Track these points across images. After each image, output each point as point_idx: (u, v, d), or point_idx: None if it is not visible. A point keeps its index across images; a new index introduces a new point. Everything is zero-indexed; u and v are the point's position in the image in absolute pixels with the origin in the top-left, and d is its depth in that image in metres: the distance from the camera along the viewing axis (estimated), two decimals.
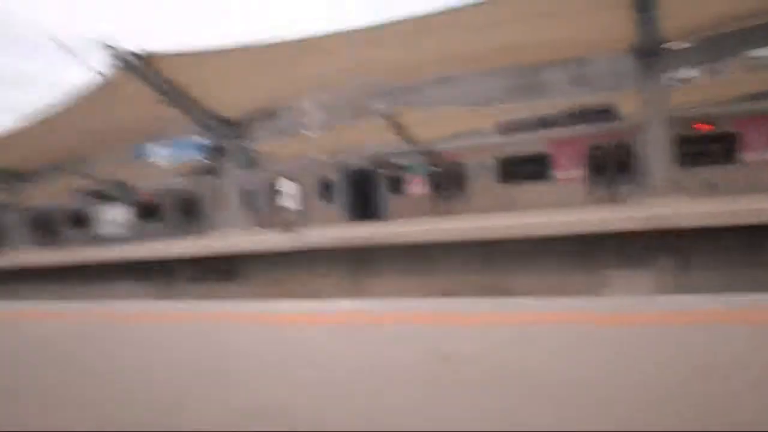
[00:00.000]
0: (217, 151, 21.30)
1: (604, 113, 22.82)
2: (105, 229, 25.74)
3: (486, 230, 12.34)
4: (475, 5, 14.58)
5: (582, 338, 3.61)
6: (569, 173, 20.17)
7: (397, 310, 5.48)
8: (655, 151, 15.57)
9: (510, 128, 23.22)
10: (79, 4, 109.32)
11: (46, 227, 33.51)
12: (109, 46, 17.81)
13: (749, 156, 19.89)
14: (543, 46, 17.92)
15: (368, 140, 26.19)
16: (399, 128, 30.16)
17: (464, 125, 35.99)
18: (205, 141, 22.22)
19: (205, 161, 23.75)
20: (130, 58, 18.06)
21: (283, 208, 17.82)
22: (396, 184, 20.70)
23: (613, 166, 20.85)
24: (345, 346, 3.93)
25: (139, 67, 18.23)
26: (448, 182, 21.25)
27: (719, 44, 15.91)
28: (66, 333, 5.62)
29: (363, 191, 22.05)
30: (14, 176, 29.10)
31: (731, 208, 10.32)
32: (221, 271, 16.08)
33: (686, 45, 16.22)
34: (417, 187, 21.47)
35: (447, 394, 2.75)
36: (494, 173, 20.69)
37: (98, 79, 18.39)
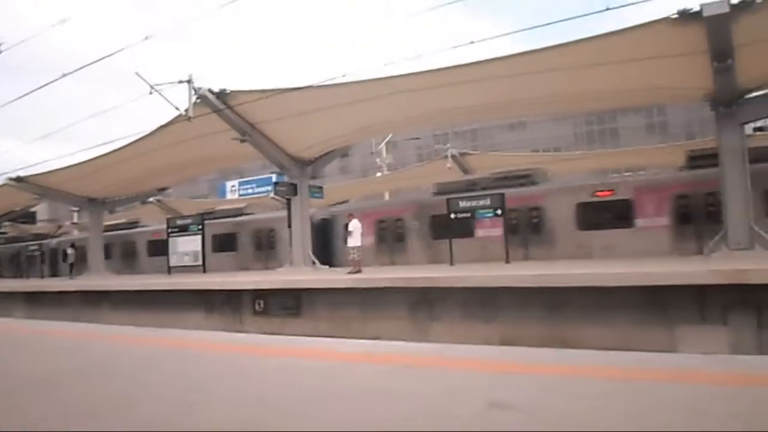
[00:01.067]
0: (289, 188, 21.86)
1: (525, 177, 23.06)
2: (180, 260, 26.64)
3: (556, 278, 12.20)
4: (549, 49, 14.62)
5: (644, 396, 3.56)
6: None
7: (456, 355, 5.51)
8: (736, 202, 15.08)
9: (446, 190, 23.86)
10: (167, 47, 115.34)
11: (122, 254, 34.97)
12: (190, 83, 18.80)
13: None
14: (619, 92, 17.75)
15: (437, 181, 26.33)
16: (467, 171, 30.28)
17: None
18: (279, 178, 22.88)
19: (278, 197, 24.35)
20: (209, 95, 18.98)
21: (351, 247, 18.09)
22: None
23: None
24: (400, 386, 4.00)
25: (217, 104, 19.11)
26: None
27: None
28: (135, 355, 5.90)
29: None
30: (96, 203, 30.61)
31: None
32: (288, 306, 16.38)
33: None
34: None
35: None
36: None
37: (179, 114, 19.36)
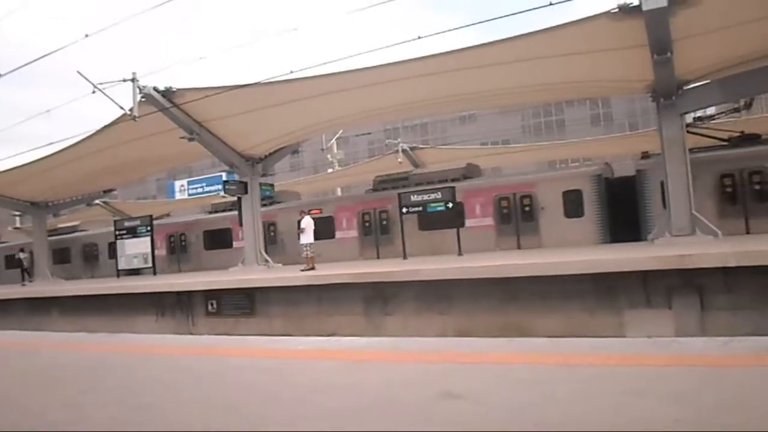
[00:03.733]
0: (239, 187, 21.62)
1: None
2: (127, 262, 26.07)
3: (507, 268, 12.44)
4: (497, 43, 14.81)
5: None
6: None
7: (410, 348, 5.59)
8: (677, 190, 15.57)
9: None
10: (109, 45, 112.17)
11: (69, 259, 33.96)
12: (135, 82, 18.39)
13: None
14: (565, 85, 18.09)
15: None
16: (418, 165, 30.47)
17: (483, 163, 36.21)
18: (229, 176, 22.64)
19: (227, 196, 24.03)
20: (154, 93, 18.60)
21: (303, 245, 17.98)
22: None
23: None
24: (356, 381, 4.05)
25: (163, 103, 18.75)
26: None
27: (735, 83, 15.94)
28: (83, 362, 5.79)
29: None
30: (39, 207, 29.66)
31: None
32: (241, 306, 16.24)
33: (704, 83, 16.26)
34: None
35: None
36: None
37: (124, 113, 18.91)
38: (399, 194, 19.85)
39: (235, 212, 26.27)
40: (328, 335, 9.68)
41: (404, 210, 19.18)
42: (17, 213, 39.36)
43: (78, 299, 19.81)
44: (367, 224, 23.90)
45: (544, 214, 20.31)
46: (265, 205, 25.03)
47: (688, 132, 16.87)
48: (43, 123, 76.48)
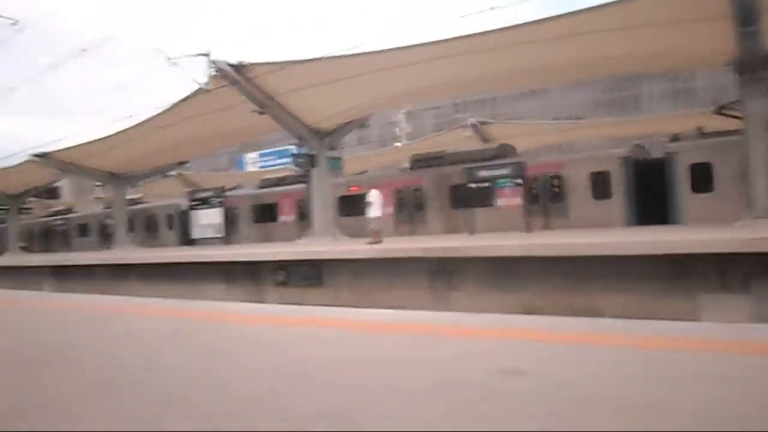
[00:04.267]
0: (308, 160, 21.90)
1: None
2: (200, 232, 26.96)
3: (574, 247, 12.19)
4: (573, 15, 14.37)
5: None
6: None
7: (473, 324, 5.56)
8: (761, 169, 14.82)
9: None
10: (183, 21, 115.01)
11: (144, 228, 35.45)
12: (208, 57, 18.82)
13: None
14: (640, 57, 17.44)
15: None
16: (486, 141, 30.06)
17: (552, 139, 35.39)
18: (297, 150, 22.96)
19: (296, 169, 24.42)
20: (227, 68, 18.97)
21: (371, 218, 18.10)
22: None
23: None
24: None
25: (235, 77, 19.11)
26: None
27: None
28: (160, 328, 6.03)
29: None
30: (118, 178, 30.91)
31: None
32: (309, 277, 16.54)
33: None
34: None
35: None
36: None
37: (198, 88, 19.42)
38: (466, 169, 19.74)
39: (281, 188, 29.18)
40: (394, 308, 9.75)
41: (472, 186, 19.09)
42: (99, 183, 41.28)
43: (153, 266, 20.63)
44: (402, 201, 24.88)
45: (572, 195, 20.55)
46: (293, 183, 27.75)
47: None
48: (120, 97, 79.33)
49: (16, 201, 38.28)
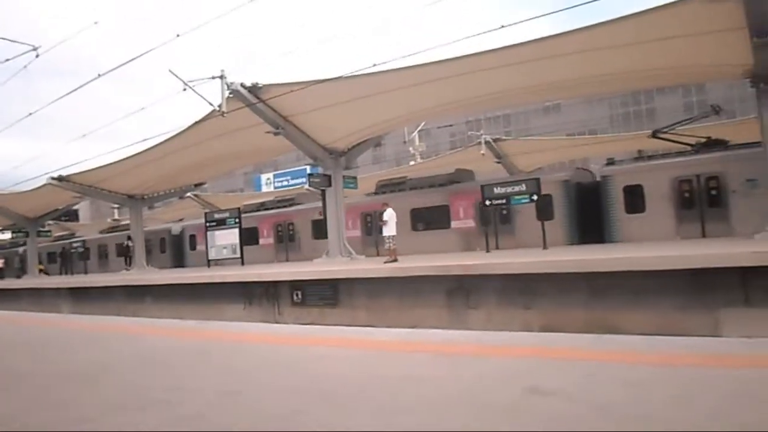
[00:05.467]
0: (323, 180, 21.98)
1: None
2: (216, 253, 27.09)
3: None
4: (584, 30, 14.34)
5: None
6: None
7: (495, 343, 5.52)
8: None
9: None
10: (196, 44, 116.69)
11: (160, 249, 35.77)
12: (223, 79, 19.01)
13: None
14: (654, 71, 17.35)
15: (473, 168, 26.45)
16: (500, 157, 30.06)
17: (568, 155, 35.30)
18: (313, 169, 23.05)
19: (312, 189, 24.51)
20: (242, 89, 19.14)
21: (386, 237, 18.08)
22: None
23: None
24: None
25: (250, 99, 19.27)
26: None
27: None
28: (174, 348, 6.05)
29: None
30: (135, 200, 31.15)
31: None
32: (325, 296, 16.51)
33: None
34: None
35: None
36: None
37: (213, 110, 19.60)
38: (482, 186, 19.76)
39: (261, 212, 30.91)
40: (411, 327, 9.70)
41: (487, 203, 19.12)
42: (116, 206, 41.66)
43: (170, 287, 20.69)
44: (369, 224, 26.18)
45: (519, 217, 21.60)
46: (284, 206, 29.46)
47: None
48: (136, 121, 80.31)
49: (35, 224, 38.71)
